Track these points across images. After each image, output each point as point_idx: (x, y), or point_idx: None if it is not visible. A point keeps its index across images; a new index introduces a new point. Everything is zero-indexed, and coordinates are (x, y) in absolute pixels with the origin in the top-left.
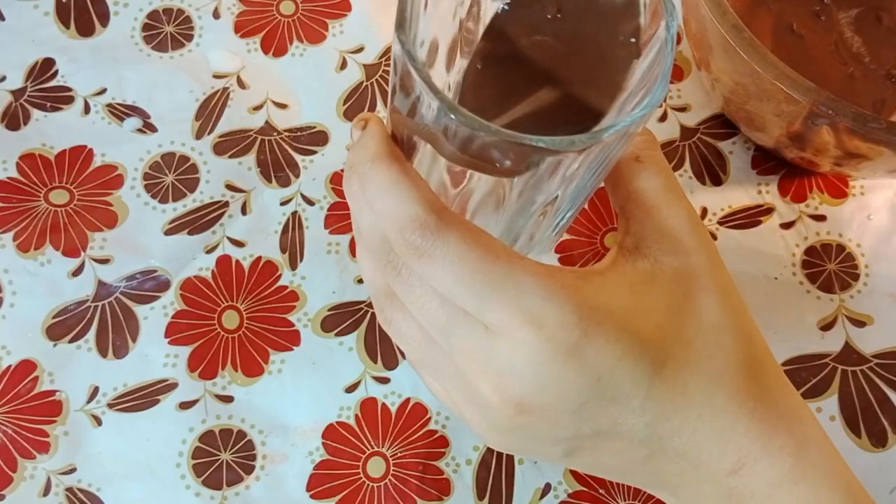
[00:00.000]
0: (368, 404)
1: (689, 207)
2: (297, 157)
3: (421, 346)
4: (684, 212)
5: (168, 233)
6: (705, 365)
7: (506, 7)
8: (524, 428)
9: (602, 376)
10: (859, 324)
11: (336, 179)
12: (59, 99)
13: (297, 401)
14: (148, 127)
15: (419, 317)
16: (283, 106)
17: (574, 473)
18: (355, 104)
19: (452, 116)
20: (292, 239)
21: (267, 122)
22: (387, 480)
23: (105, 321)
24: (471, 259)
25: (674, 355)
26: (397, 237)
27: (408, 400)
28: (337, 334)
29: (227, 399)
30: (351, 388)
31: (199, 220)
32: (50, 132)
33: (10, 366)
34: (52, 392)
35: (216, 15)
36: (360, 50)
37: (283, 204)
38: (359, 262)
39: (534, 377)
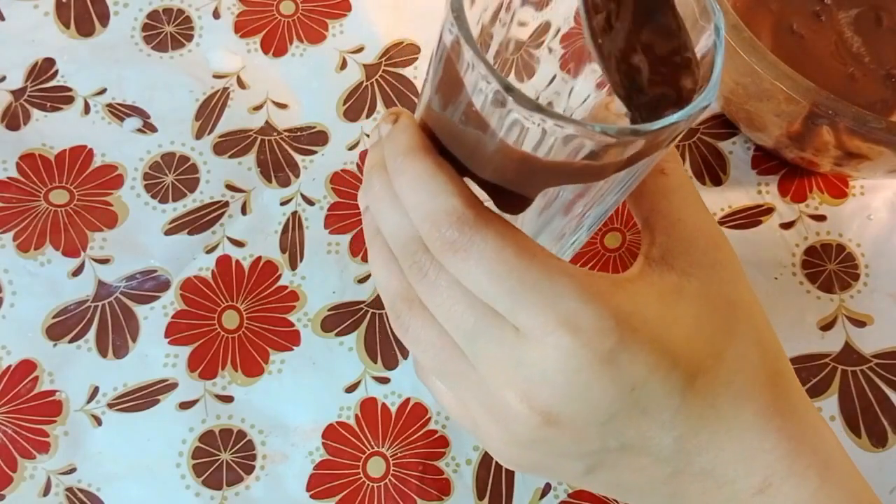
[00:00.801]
0: (368, 404)
1: (713, 220)
2: (297, 157)
3: (440, 354)
4: (710, 224)
5: (168, 233)
6: (734, 379)
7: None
8: (547, 441)
9: (636, 385)
10: (859, 324)
11: (336, 179)
12: (59, 99)
13: (297, 401)
14: (148, 127)
15: (444, 320)
16: (283, 106)
17: None
18: (355, 104)
19: (511, 98)
20: (292, 239)
21: (267, 122)
22: (387, 480)
23: (105, 321)
24: (507, 256)
25: (705, 368)
26: (431, 231)
27: (408, 400)
28: (337, 334)
29: (227, 399)
30: (351, 388)
31: (199, 220)
32: (50, 132)
33: (10, 366)
34: (52, 392)
35: (216, 15)
36: (360, 50)
37: (283, 204)
38: (372, 268)
39: (565, 384)
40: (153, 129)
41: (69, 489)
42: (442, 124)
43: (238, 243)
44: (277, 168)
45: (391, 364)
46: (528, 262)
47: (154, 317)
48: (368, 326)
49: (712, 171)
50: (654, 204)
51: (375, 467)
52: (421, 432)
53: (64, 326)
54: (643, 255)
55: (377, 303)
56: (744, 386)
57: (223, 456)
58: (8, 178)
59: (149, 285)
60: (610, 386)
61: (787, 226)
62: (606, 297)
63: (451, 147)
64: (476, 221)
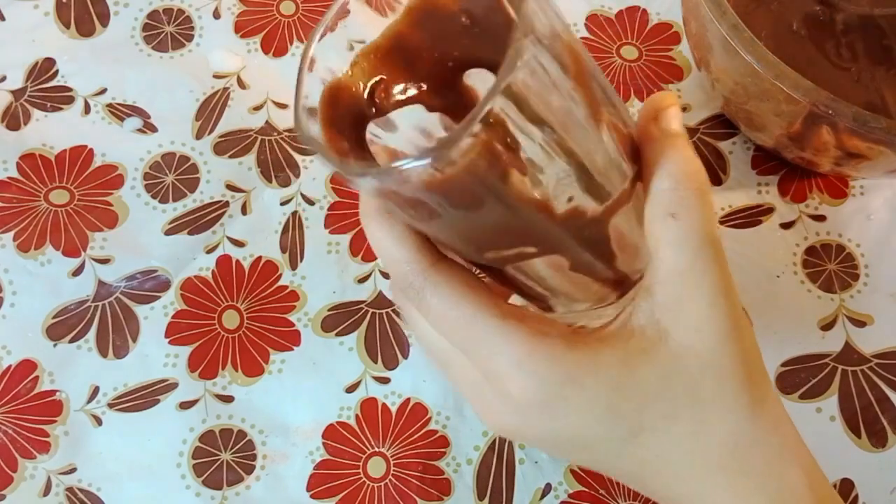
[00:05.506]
0: (369, 404)
1: (715, 274)
2: (297, 157)
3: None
4: (707, 280)
5: (168, 233)
6: (686, 440)
7: None
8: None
9: (573, 436)
10: (859, 324)
11: (336, 179)
12: (59, 99)
13: (298, 401)
14: (148, 127)
15: (428, 340)
16: (283, 106)
17: (574, 474)
18: None
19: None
20: (292, 239)
21: (267, 122)
22: (387, 480)
23: (105, 321)
24: (453, 317)
25: (652, 428)
26: (393, 287)
27: (408, 400)
28: (337, 334)
29: (228, 399)
30: (351, 388)
31: (200, 220)
32: (50, 132)
33: (10, 366)
34: (53, 392)
35: (216, 15)
36: None
37: (283, 204)
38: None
39: (510, 421)
40: (153, 129)
41: (69, 489)
42: None
43: (238, 243)
44: (278, 168)
45: (391, 364)
46: (473, 322)
47: (154, 317)
48: (368, 326)
49: (712, 171)
50: (655, 250)
51: (376, 467)
52: (421, 432)
53: (64, 326)
54: (635, 304)
55: (377, 303)
56: (695, 446)
57: (223, 456)
58: (8, 178)
59: (149, 285)
60: (546, 428)
61: (787, 226)
62: (544, 363)
63: None
64: (424, 285)
